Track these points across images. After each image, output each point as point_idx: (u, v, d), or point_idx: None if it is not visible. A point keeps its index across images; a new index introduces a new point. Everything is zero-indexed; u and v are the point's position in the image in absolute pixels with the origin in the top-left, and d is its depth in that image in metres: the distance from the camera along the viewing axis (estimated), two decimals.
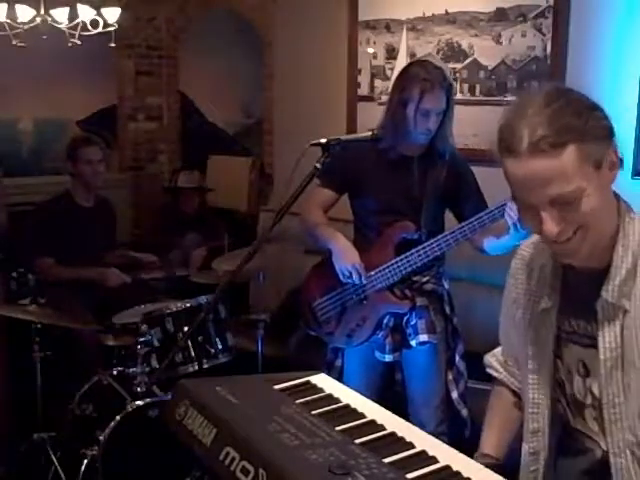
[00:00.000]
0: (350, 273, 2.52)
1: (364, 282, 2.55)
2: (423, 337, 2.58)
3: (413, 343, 2.60)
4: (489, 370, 1.68)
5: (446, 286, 2.70)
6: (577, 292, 1.35)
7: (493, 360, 1.67)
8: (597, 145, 1.19)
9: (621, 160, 1.26)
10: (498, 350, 1.67)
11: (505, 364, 1.63)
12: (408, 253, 2.51)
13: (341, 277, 2.56)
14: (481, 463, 1.37)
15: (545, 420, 1.40)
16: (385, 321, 2.61)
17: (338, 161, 2.39)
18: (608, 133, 1.22)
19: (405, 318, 2.61)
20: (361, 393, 1.54)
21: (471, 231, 2.42)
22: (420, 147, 2.56)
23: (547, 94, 1.21)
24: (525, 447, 1.45)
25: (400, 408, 2.10)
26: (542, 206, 1.20)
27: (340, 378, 2.64)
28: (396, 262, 2.53)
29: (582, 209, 1.19)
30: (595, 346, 1.30)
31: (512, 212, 2.27)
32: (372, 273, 2.56)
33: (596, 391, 1.32)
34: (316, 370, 1.67)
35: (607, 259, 1.28)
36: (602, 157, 1.20)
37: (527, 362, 1.43)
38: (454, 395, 2.69)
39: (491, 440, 1.57)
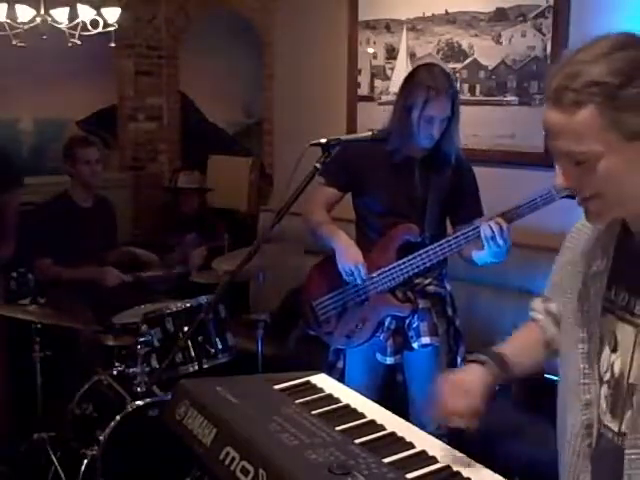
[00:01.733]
0: (352, 272, 2.52)
1: (366, 282, 2.55)
2: (425, 339, 2.57)
3: (415, 345, 2.59)
4: (531, 313, 1.59)
5: (448, 288, 2.69)
6: (628, 261, 1.26)
7: (537, 303, 1.58)
8: (635, 115, 1.09)
9: None
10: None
11: (546, 312, 1.54)
12: (411, 256, 2.49)
13: (344, 275, 2.55)
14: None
15: (597, 391, 1.29)
16: (386, 323, 2.60)
17: (342, 159, 2.38)
18: None
19: (407, 320, 2.60)
20: (362, 394, 1.54)
21: (475, 236, 2.41)
22: (425, 149, 2.55)
23: (612, 42, 1.12)
24: (578, 420, 1.31)
25: (401, 409, 2.09)
26: (557, 157, 1.18)
27: (342, 380, 2.63)
28: (399, 265, 2.52)
29: (598, 173, 1.13)
30: (630, 322, 1.22)
31: (488, 227, 2.28)
32: (374, 274, 2.55)
33: (617, 369, 1.25)
34: (316, 370, 1.67)
35: None
36: None
37: (577, 331, 1.33)
38: None
39: (505, 348, 1.52)
